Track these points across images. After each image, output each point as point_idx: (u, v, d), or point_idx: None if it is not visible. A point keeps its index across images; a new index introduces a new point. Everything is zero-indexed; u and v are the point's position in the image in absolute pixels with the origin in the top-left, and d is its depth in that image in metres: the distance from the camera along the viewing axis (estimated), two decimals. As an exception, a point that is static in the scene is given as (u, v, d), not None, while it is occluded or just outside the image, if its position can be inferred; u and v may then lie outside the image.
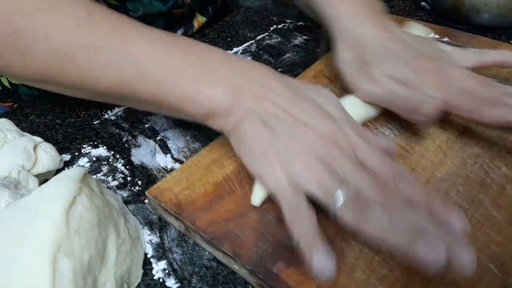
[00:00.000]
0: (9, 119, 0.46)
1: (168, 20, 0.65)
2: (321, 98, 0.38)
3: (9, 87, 0.57)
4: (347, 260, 0.34)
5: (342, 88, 0.50)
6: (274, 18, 0.75)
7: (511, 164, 0.42)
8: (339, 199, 0.31)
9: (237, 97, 0.36)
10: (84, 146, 0.48)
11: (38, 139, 0.43)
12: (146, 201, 0.41)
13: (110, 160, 0.46)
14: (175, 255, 0.37)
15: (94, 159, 0.47)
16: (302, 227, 0.32)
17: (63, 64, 0.37)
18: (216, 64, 0.38)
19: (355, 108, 0.45)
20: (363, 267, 0.33)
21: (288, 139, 0.35)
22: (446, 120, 0.47)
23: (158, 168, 0.45)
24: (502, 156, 0.43)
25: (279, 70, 0.60)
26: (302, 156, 0.34)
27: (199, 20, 0.71)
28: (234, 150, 0.38)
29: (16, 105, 0.59)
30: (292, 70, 0.60)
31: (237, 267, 0.35)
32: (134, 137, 0.49)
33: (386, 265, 0.34)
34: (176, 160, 0.46)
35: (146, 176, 0.44)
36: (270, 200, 0.37)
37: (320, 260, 0.30)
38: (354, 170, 0.33)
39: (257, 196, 0.37)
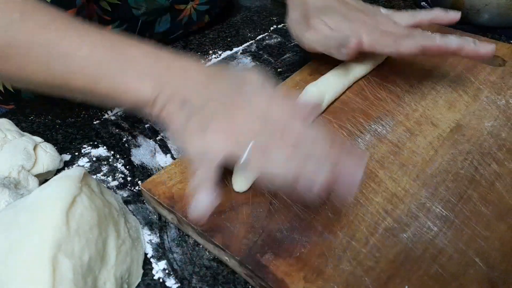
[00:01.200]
0: (9, 119, 0.46)
1: (174, 16, 0.66)
2: (236, 79, 0.39)
3: (12, 91, 0.57)
4: (334, 252, 0.34)
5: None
6: (274, 18, 0.74)
7: (501, 161, 0.43)
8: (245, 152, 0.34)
9: (160, 88, 0.37)
10: (84, 146, 0.48)
11: (38, 139, 0.43)
12: (142, 193, 0.42)
13: (110, 160, 0.46)
14: (175, 255, 0.37)
15: (94, 159, 0.47)
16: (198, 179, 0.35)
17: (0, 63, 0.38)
18: (142, 59, 0.39)
19: (334, 81, 0.50)
20: (350, 259, 0.34)
21: (202, 114, 0.36)
22: (437, 117, 0.47)
23: (158, 168, 0.45)
24: (492, 153, 0.44)
25: (279, 70, 0.61)
26: (215, 125, 0.36)
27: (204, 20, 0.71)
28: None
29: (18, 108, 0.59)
30: (292, 70, 0.60)
31: (227, 258, 0.35)
32: (134, 137, 0.49)
33: (373, 257, 0.34)
34: (176, 160, 0.46)
35: (146, 176, 0.44)
36: (261, 194, 0.39)
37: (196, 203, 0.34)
38: (259, 128, 0.35)
39: (238, 182, 0.39)
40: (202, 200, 0.34)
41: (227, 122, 0.36)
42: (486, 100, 0.51)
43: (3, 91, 0.57)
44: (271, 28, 0.71)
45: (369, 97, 0.51)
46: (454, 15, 0.51)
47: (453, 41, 0.46)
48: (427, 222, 0.37)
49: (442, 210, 0.38)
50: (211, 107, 0.37)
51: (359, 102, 0.50)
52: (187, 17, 0.67)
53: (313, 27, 0.51)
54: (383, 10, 0.54)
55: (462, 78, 0.54)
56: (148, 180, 0.40)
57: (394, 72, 0.55)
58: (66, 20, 0.40)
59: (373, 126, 0.47)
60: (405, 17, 0.53)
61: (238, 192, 0.39)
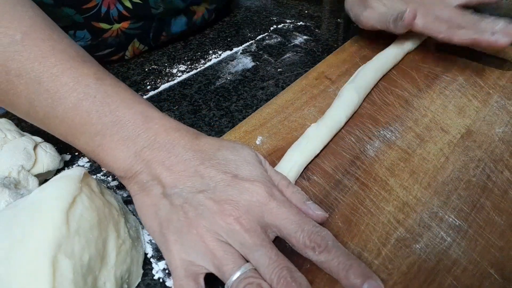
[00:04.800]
0: (9, 119, 0.46)
1: (189, 17, 0.67)
2: (232, 160, 0.35)
3: None
4: None
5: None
6: (274, 18, 0.74)
7: None
8: (233, 275, 0.30)
9: (141, 163, 0.34)
10: (84, 146, 0.48)
11: (38, 139, 0.43)
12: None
13: (110, 160, 0.46)
14: (175, 255, 0.37)
15: (94, 159, 0.47)
16: None
17: None
18: (130, 124, 0.35)
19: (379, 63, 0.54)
20: None
21: (185, 214, 0.32)
22: (447, 123, 0.47)
23: (158, 168, 0.45)
24: (504, 160, 0.43)
25: (279, 70, 0.60)
26: (198, 235, 0.32)
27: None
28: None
29: None
30: (292, 70, 0.60)
31: None
32: (134, 137, 0.49)
33: (385, 269, 0.34)
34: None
35: (146, 176, 0.44)
36: None
37: None
38: (253, 246, 0.31)
39: None
40: None
41: (212, 228, 0.32)
42: (496, 105, 0.50)
43: None
44: (271, 28, 0.71)
45: (377, 102, 0.51)
46: None
47: (505, 38, 0.47)
48: (440, 232, 0.36)
49: (455, 219, 0.37)
50: (195, 201, 0.33)
51: (367, 107, 0.50)
52: (200, 18, 0.69)
53: (370, 6, 0.56)
54: None
55: (471, 82, 0.54)
56: None
57: (402, 77, 0.55)
58: (67, 55, 0.37)
59: (381, 132, 0.46)
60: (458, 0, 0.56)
61: None
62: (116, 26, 0.59)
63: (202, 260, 0.31)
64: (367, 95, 0.51)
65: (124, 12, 0.58)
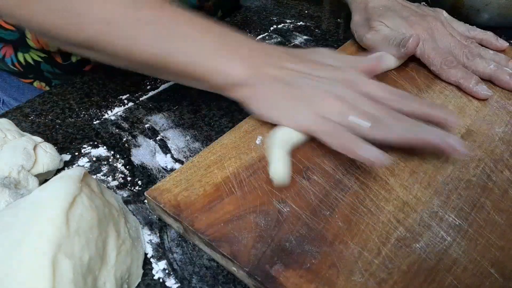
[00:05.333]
0: (9, 119, 0.46)
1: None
2: (326, 57, 0.47)
3: (32, 63, 0.61)
4: (346, 263, 0.34)
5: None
6: (274, 18, 0.74)
7: None
8: (362, 123, 0.40)
9: (254, 69, 0.43)
10: (84, 146, 0.48)
11: (38, 139, 0.43)
12: (146, 201, 0.41)
13: (110, 160, 0.46)
14: (175, 255, 0.37)
15: (94, 159, 0.47)
16: (345, 139, 0.40)
17: (111, 33, 0.41)
18: (236, 44, 0.44)
19: None
20: (362, 271, 0.33)
21: (306, 88, 0.42)
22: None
23: (158, 168, 0.45)
24: (504, 160, 0.43)
25: (279, 70, 0.60)
26: (322, 97, 0.42)
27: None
28: (255, 114, 0.44)
29: (36, 81, 0.67)
30: (292, 70, 0.60)
31: (235, 269, 0.34)
32: (134, 137, 0.49)
33: (385, 268, 0.34)
34: (176, 160, 0.46)
35: (146, 176, 0.44)
36: (269, 202, 0.38)
37: (366, 149, 0.38)
38: (363, 100, 0.42)
39: (280, 171, 0.39)
40: (369, 149, 0.38)
41: (336, 93, 0.42)
42: (496, 105, 0.50)
43: (23, 62, 0.58)
44: (271, 28, 0.71)
45: None
46: (501, 44, 0.59)
47: (484, 92, 0.51)
48: (440, 232, 0.36)
49: (455, 219, 0.38)
50: (299, 82, 0.43)
51: None
52: (207, 13, 0.69)
53: (374, 28, 0.57)
54: (445, 14, 0.60)
55: None
56: (153, 187, 0.39)
57: (402, 77, 0.55)
58: (174, 5, 0.44)
59: None
60: (462, 29, 0.60)
61: (278, 185, 0.39)
62: None
63: (326, 111, 0.41)
64: None
65: None
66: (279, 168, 0.39)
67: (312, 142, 0.44)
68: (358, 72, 0.45)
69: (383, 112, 0.41)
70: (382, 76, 0.54)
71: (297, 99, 0.42)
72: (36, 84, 0.67)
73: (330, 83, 0.43)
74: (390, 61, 0.54)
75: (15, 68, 0.65)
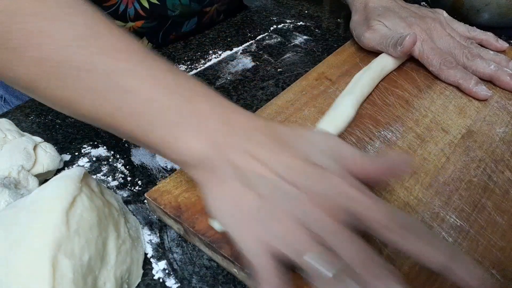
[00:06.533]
0: (9, 119, 0.46)
1: (200, 18, 0.68)
2: (312, 148, 0.34)
3: None
4: None
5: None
6: (274, 18, 0.74)
7: None
8: (322, 271, 0.29)
9: (218, 152, 0.33)
10: (84, 146, 0.48)
11: (38, 139, 0.43)
12: (146, 202, 0.41)
13: (110, 160, 0.46)
14: (175, 255, 0.37)
15: (94, 159, 0.47)
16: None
17: (49, 78, 0.34)
18: (206, 112, 0.35)
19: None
20: None
21: (270, 202, 0.32)
22: (447, 123, 0.47)
23: (158, 168, 0.45)
24: (505, 160, 0.43)
25: (279, 70, 0.60)
26: (282, 221, 0.31)
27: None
28: (205, 205, 0.35)
29: None
30: (292, 70, 0.60)
31: (236, 270, 0.34)
32: (134, 137, 0.49)
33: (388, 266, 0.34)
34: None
35: (146, 176, 0.44)
36: None
37: None
38: (339, 237, 0.30)
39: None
40: None
41: (293, 212, 0.31)
42: (497, 105, 0.50)
43: None
44: (271, 28, 0.71)
45: (377, 102, 0.50)
46: (501, 45, 0.59)
47: (484, 92, 0.51)
48: (441, 233, 0.36)
49: (456, 219, 0.37)
50: (279, 185, 0.32)
51: (368, 108, 0.50)
52: (209, 18, 0.70)
53: (372, 27, 0.56)
54: (445, 15, 0.60)
55: None
56: (153, 189, 0.39)
57: (403, 77, 0.55)
58: (134, 47, 0.36)
59: (382, 132, 0.46)
60: (461, 29, 0.59)
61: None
62: (130, 24, 0.59)
63: (279, 241, 0.31)
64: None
65: (141, 11, 0.59)
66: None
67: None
68: (349, 179, 0.32)
69: (356, 257, 0.29)
70: (383, 78, 0.54)
71: (250, 213, 0.32)
72: None
73: (300, 201, 0.32)
74: (388, 63, 0.54)
75: None
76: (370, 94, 0.51)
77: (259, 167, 0.33)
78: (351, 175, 0.32)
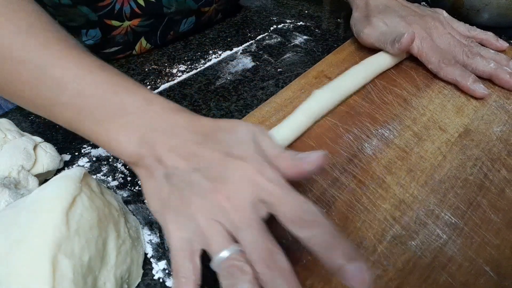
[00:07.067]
0: (9, 119, 0.46)
1: (198, 18, 0.68)
2: (235, 140, 0.34)
3: None
4: None
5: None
6: (274, 18, 0.75)
7: (511, 167, 0.42)
8: (218, 254, 0.30)
9: (146, 149, 0.34)
10: (84, 146, 0.48)
11: (38, 139, 0.44)
12: (146, 201, 0.42)
13: (110, 160, 0.47)
14: (174, 255, 0.37)
15: (94, 159, 0.47)
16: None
17: None
18: (133, 108, 0.35)
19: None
20: None
21: (181, 193, 0.33)
22: (445, 122, 0.47)
23: (158, 168, 0.46)
24: (502, 159, 0.43)
25: (279, 70, 0.61)
26: (191, 213, 0.32)
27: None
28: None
29: None
30: (292, 70, 0.60)
31: None
32: (134, 137, 0.49)
33: (381, 265, 0.34)
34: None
35: (146, 176, 0.45)
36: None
37: None
38: (240, 225, 0.31)
39: None
40: None
41: (204, 207, 0.32)
42: (495, 104, 0.50)
43: None
44: (271, 28, 0.71)
45: (375, 100, 0.51)
46: (501, 44, 0.59)
47: (482, 90, 0.51)
48: (436, 230, 0.37)
49: (451, 217, 0.38)
50: (190, 180, 0.33)
51: (366, 106, 0.50)
52: (207, 18, 0.70)
53: (372, 24, 0.57)
54: (445, 14, 0.60)
55: None
56: None
57: (401, 75, 0.55)
58: (69, 44, 0.38)
59: (380, 130, 0.47)
60: (462, 28, 0.59)
61: None
62: (127, 23, 0.59)
63: (196, 238, 0.31)
64: (361, 94, 0.51)
65: (137, 10, 0.59)
66: None
67: (309, 140, 0.45)
68: (267, 171, 0.32)
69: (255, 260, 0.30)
70: (381, 76, 0.54)
71: (167, 207, 0.33)
72: None
73: (214, 196, 0.32)
74: (386, 59, 0.54)
75: None
76: (369, 92, 0.51)
77: (182, 163, 0.33)
78: (271, 167, 0.32)
